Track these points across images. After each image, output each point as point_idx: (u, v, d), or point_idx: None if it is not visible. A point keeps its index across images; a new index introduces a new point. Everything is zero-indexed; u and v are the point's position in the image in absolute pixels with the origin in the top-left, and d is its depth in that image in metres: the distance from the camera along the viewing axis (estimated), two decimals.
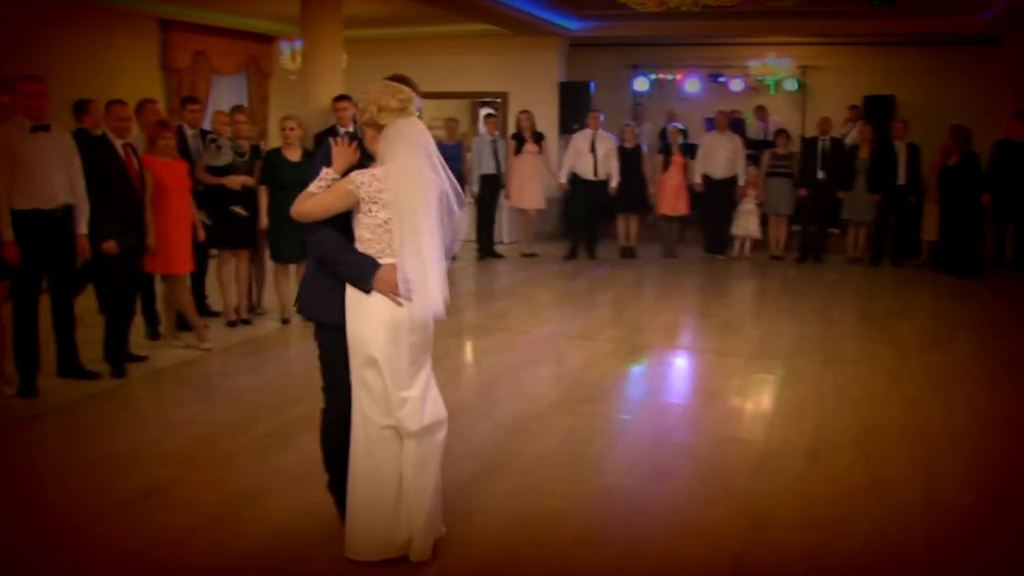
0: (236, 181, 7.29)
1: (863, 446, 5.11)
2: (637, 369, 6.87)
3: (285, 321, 7.73)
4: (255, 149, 7.66)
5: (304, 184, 3.56)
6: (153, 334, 7.17)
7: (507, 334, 7.85)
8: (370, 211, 3.37)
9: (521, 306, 9.18)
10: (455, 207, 3.49)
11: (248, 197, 7.38)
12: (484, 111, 14.11)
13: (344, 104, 8.10)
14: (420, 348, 3.49)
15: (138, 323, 6.98)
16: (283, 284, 7.66)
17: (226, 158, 7.34)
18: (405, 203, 3.34)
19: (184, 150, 7.37)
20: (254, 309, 8.00)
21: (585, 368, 6.69)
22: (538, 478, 4.60)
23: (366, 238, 3.41)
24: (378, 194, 3.34)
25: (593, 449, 5.06)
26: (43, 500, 4.30)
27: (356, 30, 13.04)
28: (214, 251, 7.62)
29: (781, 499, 4.39)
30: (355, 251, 3.45)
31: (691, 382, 6.72)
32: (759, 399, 6.16)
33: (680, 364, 7.19)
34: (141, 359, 6.55)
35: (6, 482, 4.53)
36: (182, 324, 7.01)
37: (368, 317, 3.41)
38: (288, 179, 7.02)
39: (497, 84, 13.91)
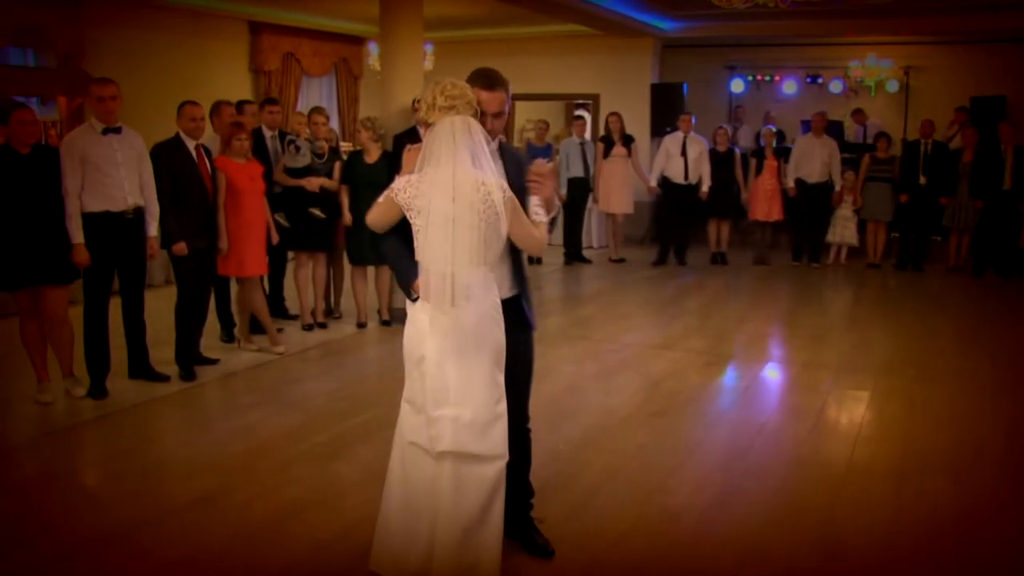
0: (314, 183, 7.28)
1: (955, 471, 4.80)
2: (717, 381, 6.63)
3: (361, 325, 7.71)
4: (334, 151, 7.65)
5: (374, 185, 3.52)
6: (228, 337, 7.19)
7: (587, 342, 7.70)
8: (411, 217, 3.25)
9: (604, 313, 9.01)
10: (501, 213, 3.19)
11: (326, 199, 7.36)
12: (577, 113, 13.98)
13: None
14: (472, 366, 3.23)
15: (214, 326, 7.03)
16: (360, 287, 7.65)
17: (304, 160, 7.34)
18: (436, 209, 3.16)
19: (263, 152, 7.39)
20: (331, 312, 8.00)
21: (664, 379, 6.49)
22: (600, 498, 4.45)
23: (415, 245, 3.29)
24: (412, 200, 3.21)
25: (662, 467, 4.87)
26: (96, 505, 4.32)
27: (446, 31, 13.10)
28: (292, 253, 7.67)
29: (861, 527, 4.14)
30: (406, 257, 3.35)
31: (773, 396, 6.45)
32: (844, 416, 5.86)
33: (763, 377, 6.91)
34: (213, 362, 6.57)
35: (62, 485, 4.56)
36: (256, 327, 7.02)
37: (412, 325, 3.31)
38: (362, 179, 7.02)
39: (589, 86, 13.75)
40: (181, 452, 5.03)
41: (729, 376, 6.80)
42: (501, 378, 3.31)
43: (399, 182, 3.28)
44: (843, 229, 11.38)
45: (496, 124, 3.39)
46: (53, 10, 9.74)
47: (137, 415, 5.63)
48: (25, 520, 4.13)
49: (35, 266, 5.44)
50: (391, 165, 7.03)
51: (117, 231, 5.69)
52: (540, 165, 3.40)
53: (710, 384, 6.53)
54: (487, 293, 3.25)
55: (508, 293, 3.47)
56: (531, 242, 3.37)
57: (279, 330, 7.22)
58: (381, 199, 3.39)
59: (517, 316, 3.48)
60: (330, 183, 7.36)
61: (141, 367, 6.13)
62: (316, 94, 13.58)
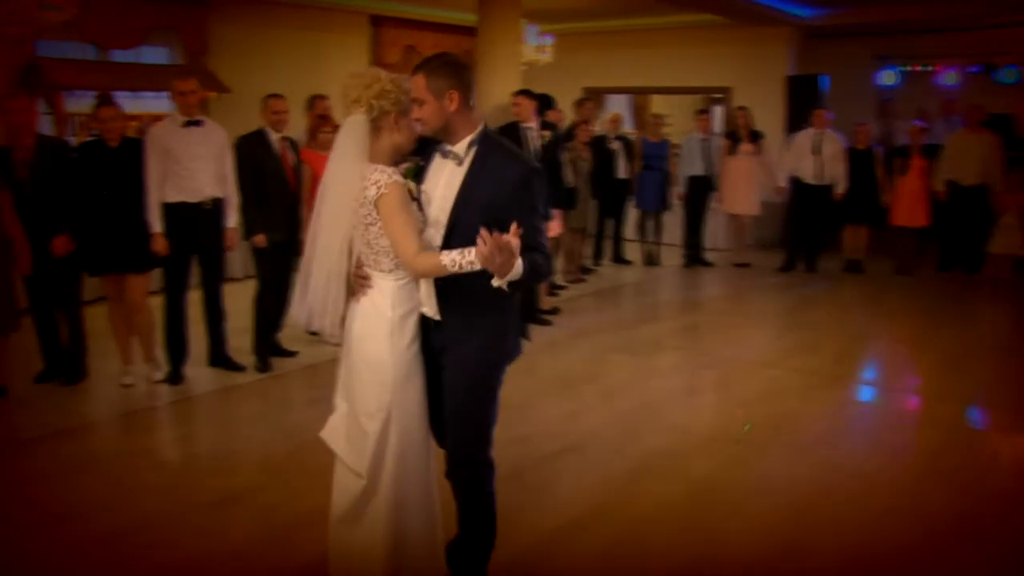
0: None
1: None
2: (817, 409, 5.67)
3: None
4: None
5: None
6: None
7: (682, 353, 6.94)
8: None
9: (711, 322, 8.18)
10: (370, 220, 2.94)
11: None
12: (718, 108, 13.10)
13: (519, 99, 7.48)
14: (355, 369, 3.16)
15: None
16: None
17: None
18: (331, 199, 3.00)
19: None
20: None
21: (755, 402, 5.68)
22: (637, 537, 3.81)
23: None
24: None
25: (720, 507, 4.12)
26: (132, 493, 4.25)
27: (569, 23, 12.56)
28: None
29: None
30: None
31: (879, 432, 5.40)
32: (966, 463, 4.83)
33: (872, 408, 5.93)
34: (292, 354, 6.54)
35: (108, 471, 4.53)
36: None
37: None
38: None
39: (720, 79, 12.82)
40: (230, 445, 5.02)
41: (833, 403, 5.84)
42: (378, 398, 3.06)
43: None
44: (1008, 239, 9.96)
45: (423, 113, 2.98)
46: (181, 10, 10.31)
47: (206, 403, 5.71)
48: (58, 504, 4.12)
49: (117, 254, 5.68)
50: None
51: (195, 221, 5.80)
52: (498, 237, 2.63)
53: (807, 411, 5.61)
54: (377, 302, 3.04)
55: (430, 312, 3.06)
56: (397, 251, 2.91)
57: None
58: None
59: (437, 342, 3.09)
60: None
61: (219, 356, 6.24)
62: None
